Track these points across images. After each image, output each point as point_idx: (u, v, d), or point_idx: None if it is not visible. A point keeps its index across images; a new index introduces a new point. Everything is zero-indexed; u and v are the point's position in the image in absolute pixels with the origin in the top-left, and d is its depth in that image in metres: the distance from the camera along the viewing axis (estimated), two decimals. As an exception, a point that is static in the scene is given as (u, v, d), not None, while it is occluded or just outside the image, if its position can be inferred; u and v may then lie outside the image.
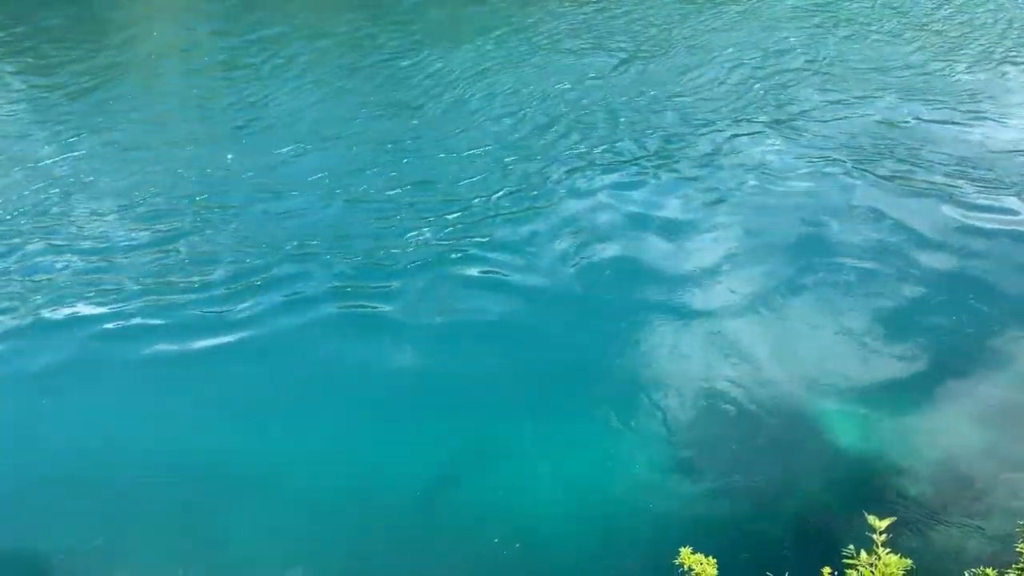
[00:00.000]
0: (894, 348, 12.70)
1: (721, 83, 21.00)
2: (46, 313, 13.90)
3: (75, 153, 18.56)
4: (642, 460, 11.01)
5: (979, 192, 16.41)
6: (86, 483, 11.03)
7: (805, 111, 19.64)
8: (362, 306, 13.97)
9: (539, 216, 16.05)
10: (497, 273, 14.58)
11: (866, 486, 10.65)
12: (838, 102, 19.94)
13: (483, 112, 19.86)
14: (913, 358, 12.53)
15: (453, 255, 14.99)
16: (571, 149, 18.24)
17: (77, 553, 10.14)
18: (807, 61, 22.03)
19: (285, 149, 18.53)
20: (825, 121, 19.16)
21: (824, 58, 22.22)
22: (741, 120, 19.27)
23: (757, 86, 20.78)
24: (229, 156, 18.23)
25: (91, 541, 10.28)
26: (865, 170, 17.24)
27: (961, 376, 12.20)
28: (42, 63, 23.20)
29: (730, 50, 22.84)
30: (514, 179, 17.17)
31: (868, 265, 14.49)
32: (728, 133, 18.75)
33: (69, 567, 9.98)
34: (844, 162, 17.51)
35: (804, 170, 17.32)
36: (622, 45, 23.36)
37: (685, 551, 5.72)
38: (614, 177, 17.20)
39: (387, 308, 13.84)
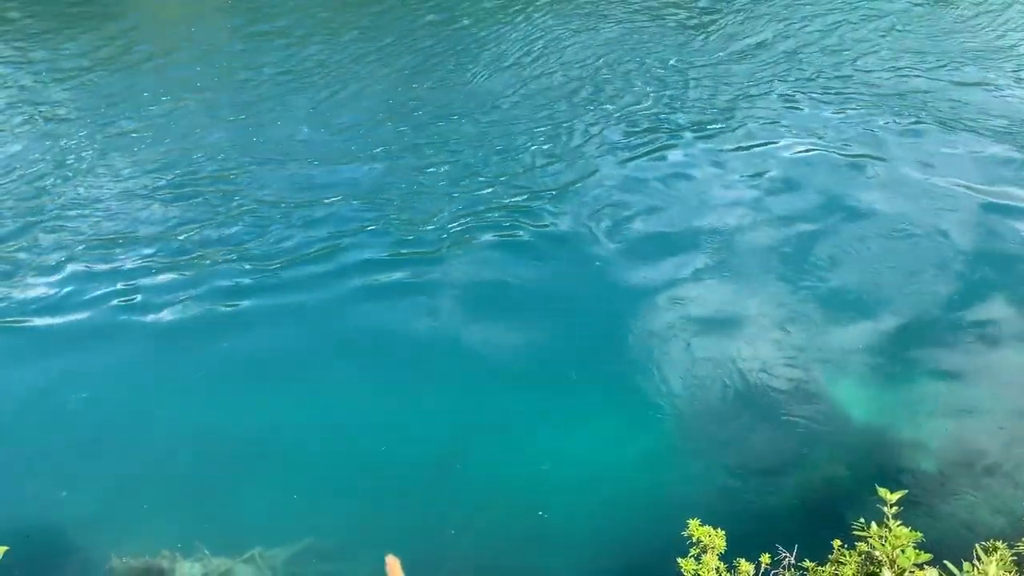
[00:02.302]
0: (908, 320, 12.61)
1: (782, 49, 20.79)
2: (71, 277, 14.00)
3: (105, 118, 18.57)
4: (652, 433, 11.02)
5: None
6: (102, 450, 11.14)
7: (858, 76, 19.47)
8: (387, 274, 13.99)
9: (578, 189, 15.98)
10: (528, 244, 14.58)
11: (876, 460, 10.64)
12: (895, 69, 19.71)
13: (532, 81, 19.74)
14: (927, 330, 12.44)
15: (486, 226, 14.99)
16: (620, 120, 18.09)
17: (91, 519, 10.25)
18: (869, 28, 21.69)
19: (328, 116, 18.52)
20: (876, 87, 18.99)
21: (887, 22, 21.89)
22: (797, 87, 19.11)
23: (816, 54, 20.54)
24: (279, 122, 18.21)
25: (106, 507, 10.39)
26: (907, 138, 17.09)
27: (975, 350, 12.11)
28: (77, 31, 23.10)
29: (795, 15, 22.49)
30: (559, 150, 17.09)
31: (889, 236, 14.34)
32: (782, 101, 18.61)
33: (83, 533, 10.08)
34: (881, 133, 17.35)
35: (845, 139, 17.19)
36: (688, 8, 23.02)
37: (694, 523, 5.72)
38: (658, 149, 17.10)
39: (412, 276, 13.88)
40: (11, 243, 14.83)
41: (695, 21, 22.59)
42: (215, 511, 10.34)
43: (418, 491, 10.49)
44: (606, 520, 10.04)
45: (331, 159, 17.05)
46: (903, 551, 5.00)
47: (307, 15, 23.76)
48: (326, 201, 15.73)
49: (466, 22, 22.88)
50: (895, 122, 17.70)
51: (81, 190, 16.16)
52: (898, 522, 5.24)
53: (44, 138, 17.86)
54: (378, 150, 17.27)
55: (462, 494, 10.46)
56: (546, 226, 14.99)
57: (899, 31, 21.76)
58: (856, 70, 19.94)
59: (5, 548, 2.74)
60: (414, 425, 11.37)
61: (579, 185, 16.05)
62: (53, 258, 14.49)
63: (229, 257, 14.37)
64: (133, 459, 10.98)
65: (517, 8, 23.64)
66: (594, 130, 17.76)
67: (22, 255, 14.58)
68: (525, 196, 15.77)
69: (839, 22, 22.37)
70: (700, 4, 23.69)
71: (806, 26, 22.15)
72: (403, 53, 21.31)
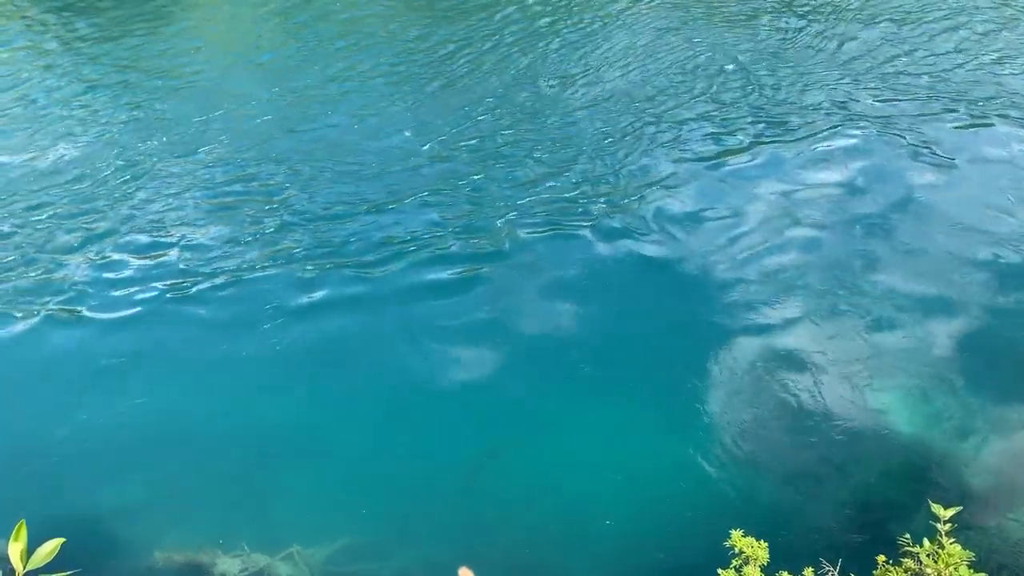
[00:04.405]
0: (964, 332, 12.27)
1: (867, 50, 20.24)
2: (126, 270, 14.30)
3: (170, 117, 18.91)
4: (696, 439, 10.87)
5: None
6: (146, 444, 11.32)
7: (947, 78, 18.90)
8: (438, 274, 13.98)
9: (643, 191, 15.73)
10: (587, 245, 14.44)
11: (924, 475, 10.38)
12: (989, 71, 19.13)
13: (609, 81, 19.52)
14: (982, 343, 12.08)
15: (546, 225, 14.91)
16: (704, 122, 17.79)
17: (134, 513, 10.42)
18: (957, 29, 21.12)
19: (398, 117, 18.58)
20: (965, 91, 18.40)
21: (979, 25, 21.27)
22: (880, 89, 18.58)
23: (900, 56, 20.03)
24: (354, 124, 18.29)
25: (149, 502, 10.55)
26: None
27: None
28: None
29: (878, 16, 21.96)
30: (626, 151, 16.88)
31: (956, 246, 13.90)
32: (866, 102, 18.07)
33: (126, 526, 10.26)
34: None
35: (927, 142, 16.69)
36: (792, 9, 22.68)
37: (736, 534, 5.66)
38: (733, 151, 16.79)
39: (465, 275, 13.88)
40: (73, 236, 15.16)
41: (781, 23, 21.99)
42: (256, 508, 10.46)
43: (458, 490, 10.50)
44: (646, 526, 9.95)
45: (401, 158, 17.04)
46: (956, 569, 4.87)
47: (378, 14, 23.83)
48: (386, 200, 15.75)
49: (548, 21, 22.67)
50: (984, 127, 17.11)
51: (144, 188, 16.44)
52: (951, 539, 5.11)
53: (110, 138, 18.21)
54: (448, 150, 17.20)
55: (502, 494, 10.43)
56: (606, 226, 14.81)
57: (993, 34, 20.95)
58: (946, 71, 19.17)
59: (62, 540, 2.74)
60: (456, 423, 11.38)
61: (644, 187, 15.77)
62: (109, 252, 14.78)
63: (284, 256, 14.50)
64: (177, 454, 11.14)
65: (598, 6, 23.39)
66: (665, 126, 17.45)
67: (81, 247, 14.91)
68: (590, 197, 15.59)
69: (921, 18, 21.64)
70: (791, 6, 23.09)
71: (888, 27, 21.46)
72: (478, 53, 21.19)
